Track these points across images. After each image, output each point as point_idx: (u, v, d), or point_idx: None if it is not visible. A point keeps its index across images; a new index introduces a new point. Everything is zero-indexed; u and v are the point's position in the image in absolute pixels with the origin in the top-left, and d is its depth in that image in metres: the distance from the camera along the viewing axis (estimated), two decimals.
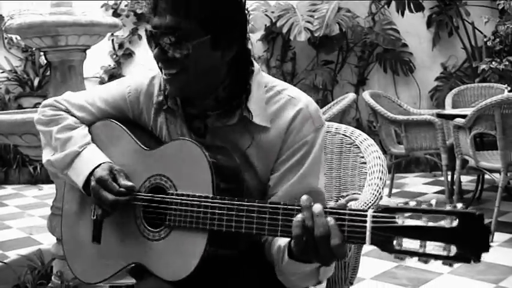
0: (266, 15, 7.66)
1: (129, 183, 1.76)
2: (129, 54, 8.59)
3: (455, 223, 1.25)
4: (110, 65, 8.58)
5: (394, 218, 1.32)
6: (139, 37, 8.50)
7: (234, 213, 1.57)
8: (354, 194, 2.21)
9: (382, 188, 2.05)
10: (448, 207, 1.28)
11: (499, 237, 4.64)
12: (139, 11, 8.44)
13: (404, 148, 5.84)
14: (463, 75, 8.03)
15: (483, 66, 7.16)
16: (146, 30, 1.72)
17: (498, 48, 7.38)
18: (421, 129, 5.69)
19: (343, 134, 2.30)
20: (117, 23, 3.69)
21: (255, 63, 1.84)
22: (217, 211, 1.59)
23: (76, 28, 3.40)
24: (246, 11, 1.80)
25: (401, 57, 8.22)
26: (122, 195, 1.74)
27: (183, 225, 1.65)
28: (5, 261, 3.92)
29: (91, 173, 1.81)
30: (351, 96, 5.01)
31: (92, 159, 1.85)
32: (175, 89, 1.76)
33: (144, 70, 1.97)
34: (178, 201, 1.67)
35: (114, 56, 8.59)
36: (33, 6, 7.81)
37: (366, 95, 6.07)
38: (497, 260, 4.19)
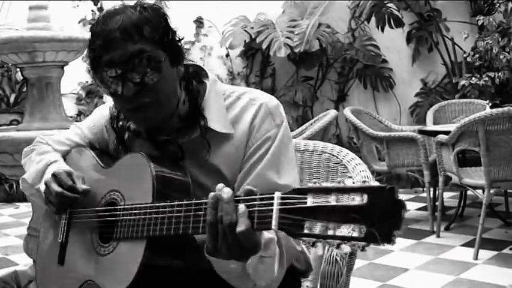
0: (245, 31, 7.63)
1: (84, 186, 1.78)
2: None
3: (364, 199, 1.13)
4: (87, 82, 8.47)
5: (305, 198, 1.20)
6: None
7: (173, 214, 1.51)
8: None
9: None
10: (358, 184, 1.15)
11: (483, 255, 4.59)
12: None
13: (386, 165, 5.79)
14: (443, 91, 8.05)
15: (463, 82, 7.17)
16: (103, 77, 1.65)
17: (478, 63, 7.40)
18: (403, 146, 5.66)
19: (330, 153, 2.25)
20: None
21: (210, 74, 1.84)
22: (153, 216, 1.56)
23: (54, 44, 3.34)
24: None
25: (381, 73, 8.22)
26: (71, 191, 1.76)
27: (127, 235, 1.64)
28: None
29: None
30: (333, 113, 4.98)
31: (58, 166, 1.90)
32: (148, 120, 1.71)
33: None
34: (125, 212, 1.67)
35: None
36: (10, 20, 7.71)
37: (347, 111, 6.03)
38: (482, 277, 4.14)
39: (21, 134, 3.06)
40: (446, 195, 6.52)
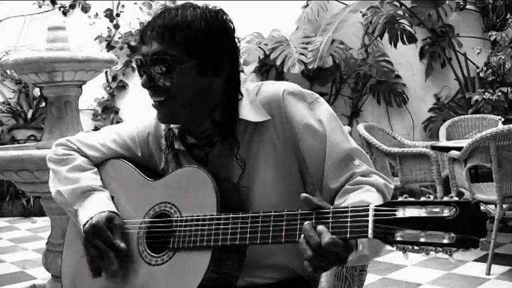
0: (260, 47, 7.68)
1: (122, 244, 1.79)
2: (122, 87, 8.60)
3: (453, 212, 1.32)
4: (103, 97, 8.58)
5: (395, 211, 1.38)
6: (133, 69, 8.49)
7: (238, 225, 1.61)
8: None
9: None
10: (445, 199, 1.34)
11: (496, 269, 4.62)
12: (133, 44, 8.46)
13: (399, 180, 5.84)
14: (456, 106, 8.06)
15: (476, 97, 7.19)
16: (136, 60, 1.78)
17: (491, 79, 7.41)
18: (416, 162, 5.70)
19: None
20: (113, 59, 3.71)
21: (242, 74, 1.89)
22: (221, 226, 1.63)
23: (73, 64, 3.42)
24: (236, 39, 1.83)
25: (394, 89, 8.25)
26: (113, 249, 1.78)
27: (187, 245, 1.68)
28: None
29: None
30: (345, 129, 5.02)
31: (99, 204, 1.88)
32: (163, 115, 1.81)
33: (148, 109, 1.99)
34: (183, 223, 1.71)
35: (108, 88, 8.59)
36: (29, 41, 7.83)
37: (360, 127, 6.09)
38: None
39: (41, 152, 3.12)
40: None
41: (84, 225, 1.83)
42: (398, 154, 5.76)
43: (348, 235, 1.45)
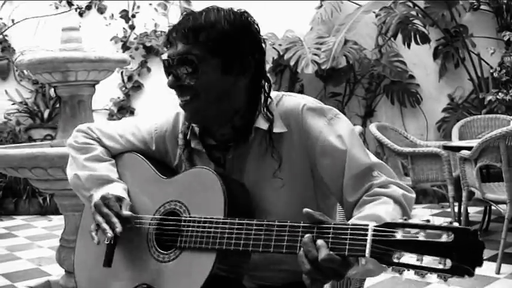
0: (274, 48, 7.73)
1: (127, 213, 1.86)
2: (138, 87, 8.67)
3: (450, 238, 1.33)
4: (119, 97, 8.66)
5: (394, 232, 1.40)
6: (148, 70, 8.57)
7: (243, 231, 1.66)
8: None
9: None
10: (444, 224, 1.36)
11: (505, 269, 4.63)
12: (148, 44, 8.54)
13: (411, 180, 5.86)
14: (470, 106, 8.07)
15: (490, 97, 7.20)
16: (163, 61, 1.83)
17: (504, 79, 7.42)
18: (427, 161, 5.73)
19: None
20: (126, 59, 3.77)
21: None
22: (227, 230, 1.68)
23: (85, 64, 3.49)
24: (262, 41, 1.86)
25: (408, 89, 8.27)
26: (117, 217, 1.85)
27: (193, 246, 1.74)
28: None
29: None
30: (358, 128, 5.06)
31: (115, 191, 1.94)
32: (190, 114, 1.85)
33: (168, 106, 2.06)
34: (190, 223, 1.76)
35: (124, 89, 8.67)
36: (45, 41, 7.93)
37: (372, 127, 6.12)
38: None
39: (54, 150, 3.19)
40: (473, 210, 6.55)
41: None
42: (410, 154, 5.78)
43: (346, 252, 1.48)
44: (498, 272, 4.57)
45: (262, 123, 1.83)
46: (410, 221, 1.40)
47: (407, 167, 5.90)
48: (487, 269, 4.69)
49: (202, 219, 1.74)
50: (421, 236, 1.36)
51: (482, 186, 4.90)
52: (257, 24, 1.85)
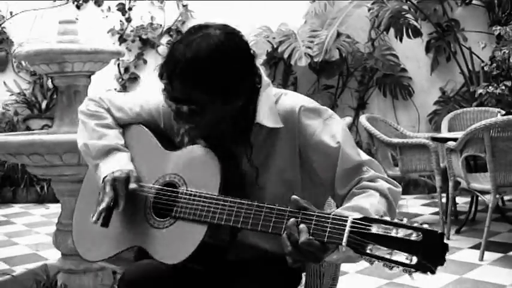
0: (268, 41, 7.83)
1: (134, 185, 1.99)
2: (134, 79, 8.78)
3: (419, 238, 1.49)
4: (115, 89, 8.75)
5: (370, 226, 1.55)
6: (145, 61, 8.69)
7: (234, 209, 1.82)
8: None
9: None
10: (415, 224, 1.51)
11: (489, 256, 4.77)
12: (144, 37, 8.65)
13: (399, 170, 5.98)
14: (461, 99, 8.18)
15: (480, 91, 7.28)
16: (163, 93, 1.92)
17: (495, 73, 7.49)
18: (416, 152, 5.83)
19: None
20: (120, 51, 3.90)
21: (265, 78, 2.01)
22: (220, 206, 1.84)
23: (81, 55, 3.59)
24: (254, 58, 1.94)
25: (400, 82, 8.38)
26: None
27: (187, 217, 1.90)
28: (12, 274, 4.08)
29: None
30: (347, 119, 5.20)
31: (121, 163, 2.07)
32: (195, 137, 2.01)
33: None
34: (187, 196, 1.92)
35: (120, 80, 8.79)
36: (42, 33, 8.05)
37: (362, 118, 6.23)
38: (485, 277, 4.33)
39: (51, 137, 3.30)
40: (462, 200, 6.70)
41: (105, 177, 2.03)
42: (399, 145, 5.89)
43: (326, 239, 1.64)
44: (481, 259, 4.71)
45: (263, 119, 1.95)
46: (386, 218, 1.56)
47: (396, 158, 6.02)
48: (470, 256, 4.83)
49: (198, 194, 1.90)
50: (394, 233, 1.52)
51: (468, 176, 5.03)
52: (248, 44, 1.93)
